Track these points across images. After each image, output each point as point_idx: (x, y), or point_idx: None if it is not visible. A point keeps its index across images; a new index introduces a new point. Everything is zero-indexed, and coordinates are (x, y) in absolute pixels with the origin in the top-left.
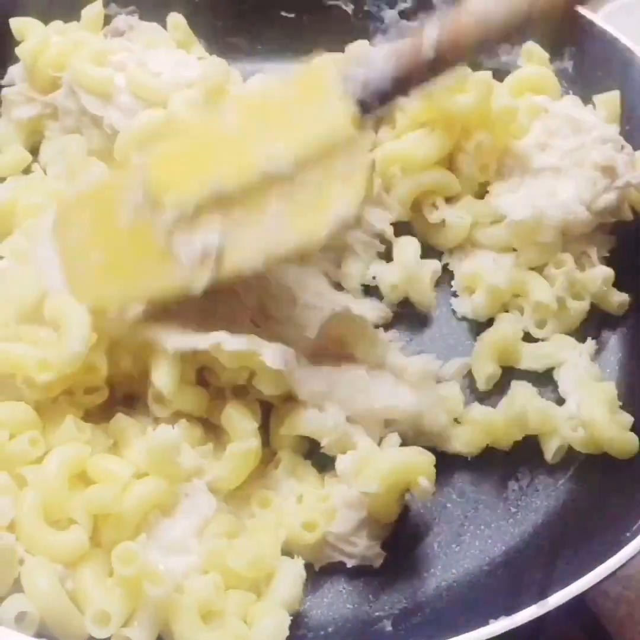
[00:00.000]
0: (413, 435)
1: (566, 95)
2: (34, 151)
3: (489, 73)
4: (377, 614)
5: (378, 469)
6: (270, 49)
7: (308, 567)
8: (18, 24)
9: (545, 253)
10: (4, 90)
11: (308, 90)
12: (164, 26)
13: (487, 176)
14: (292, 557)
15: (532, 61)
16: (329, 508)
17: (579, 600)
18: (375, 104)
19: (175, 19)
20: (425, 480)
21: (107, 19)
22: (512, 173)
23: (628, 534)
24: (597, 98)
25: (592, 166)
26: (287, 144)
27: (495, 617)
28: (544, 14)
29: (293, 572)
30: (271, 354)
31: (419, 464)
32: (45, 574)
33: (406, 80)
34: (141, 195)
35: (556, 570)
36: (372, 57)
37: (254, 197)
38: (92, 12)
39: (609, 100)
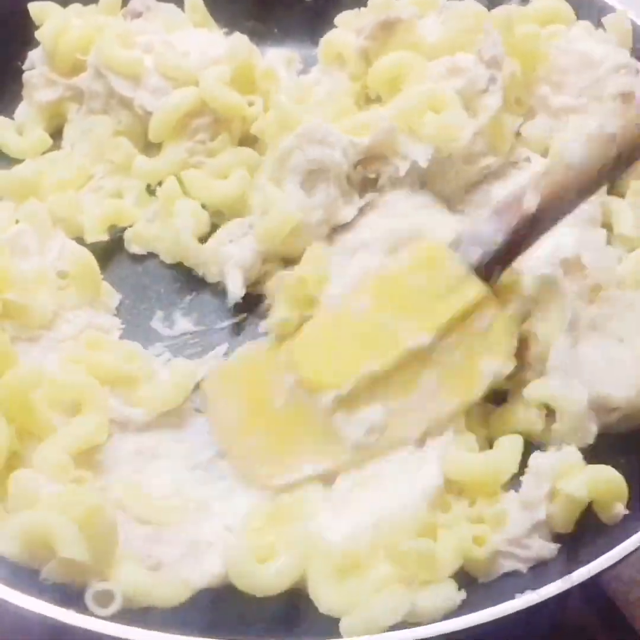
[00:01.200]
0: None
1: (578, 22)
2: (55, 135)
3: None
4: None
5: (587, 477)
6: (287, 34)
7: None
8: (36, 8)
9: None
10: (26, 73)
11: (427, 267)
12: (180, 7)
13: (522, 109)
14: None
15: None
16: (498, 512)
17: (596, 582)
18: (492, 266)
19: (193, 0)
20: (621, 506)
21: (124, 1)
22: (535, 114)
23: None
24: (606, 20)
25: (610, 98)
26: (423, 319)
27: (521, 592)
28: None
29: (447, 596)
30: None
31: (620, 486)
32: None
33: (515, 238)
34: (293, 380)
35: (578, 550)
36: (479, 228)
37: (404, 370)
38: None
39: (618, 21)
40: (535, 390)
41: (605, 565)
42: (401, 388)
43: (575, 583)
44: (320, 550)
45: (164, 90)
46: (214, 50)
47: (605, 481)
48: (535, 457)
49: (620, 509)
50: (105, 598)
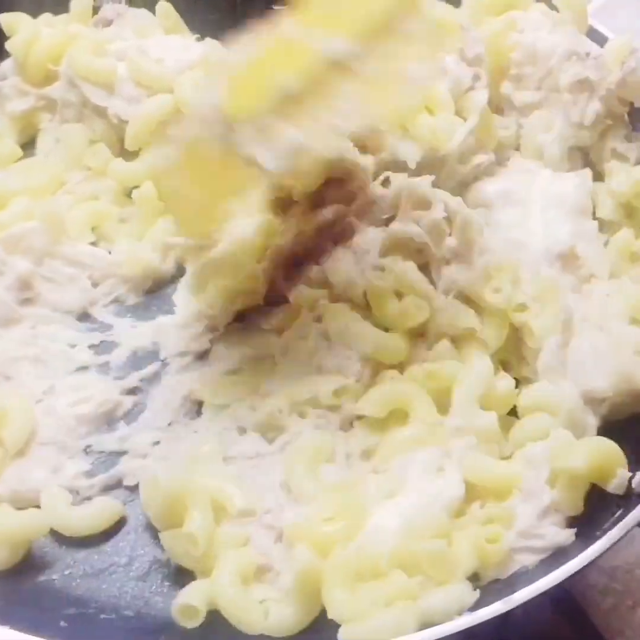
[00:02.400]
0: (631, 401)
1: (533, 5)
2: (28, 145)
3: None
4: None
5: (581, 449)
6: None
7: None
8: (6, 19)
9: None
10: None
11: None
12: (152, 11)
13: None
14: None
15: None
16: (505, 509)
17: (563, 593)
18: None
19: (164, 7)
20: (623, 470)
21: (95, 10)
22: (502, 111)
23: (597, 533)
24: (558, 1)
25: (566, 88)
26: (345, 27)
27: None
28: None
29: (460, 597)
30: None
31: (615, 451)
32: None
33: None
34: (218, 123)
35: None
36: None
37: (323, 86)
38: (80, 3)
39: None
40: (527, 399)
41: (550, 586)
42: (320, 104)
43: (517, 604)
44: (341, 554)
45: (139, 98)
46: (187, 56)
47: (600, 449)
48: (529, 448)
49: (623, 473)
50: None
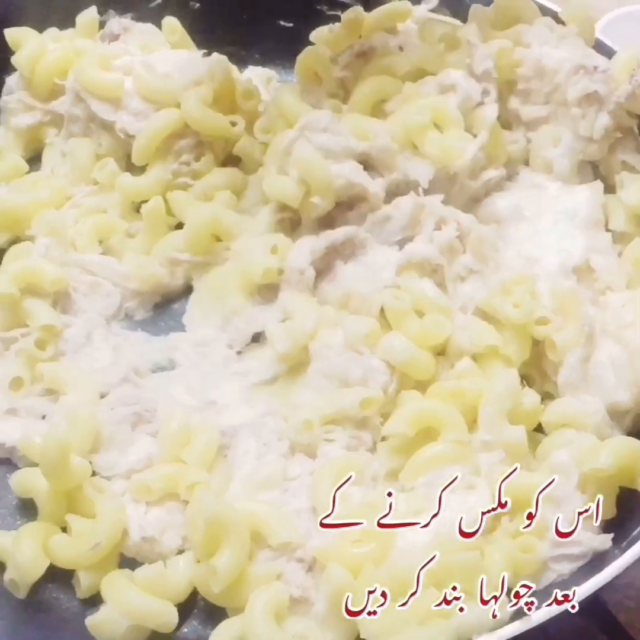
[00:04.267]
0: None
1: (539, 18)
2: (34, 159)
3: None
4: None
5: (609, 449)
6: (268, 57)
7: None
8: (12, 34)
9: None
10: (3, 98)
11: None
12: (158, 25)
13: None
14: None
15: None
16: (537, 520)
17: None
18: None
19: (171, 22)
20: None
21: (101, 24)
22: (511, 126)
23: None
24: (564, 15)
25: (575, 102)
26: None
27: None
28: None
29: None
30: None
31: None
32: None
33: None
34: None
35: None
36: None
37: None
38: (87, 17)
39: (577, 13)
40: (553, 414)
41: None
42: None
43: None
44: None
45: (146, 113)
46: (193, 71)
47: (626, 448)
48: (556, 456)
49: None
50: None
